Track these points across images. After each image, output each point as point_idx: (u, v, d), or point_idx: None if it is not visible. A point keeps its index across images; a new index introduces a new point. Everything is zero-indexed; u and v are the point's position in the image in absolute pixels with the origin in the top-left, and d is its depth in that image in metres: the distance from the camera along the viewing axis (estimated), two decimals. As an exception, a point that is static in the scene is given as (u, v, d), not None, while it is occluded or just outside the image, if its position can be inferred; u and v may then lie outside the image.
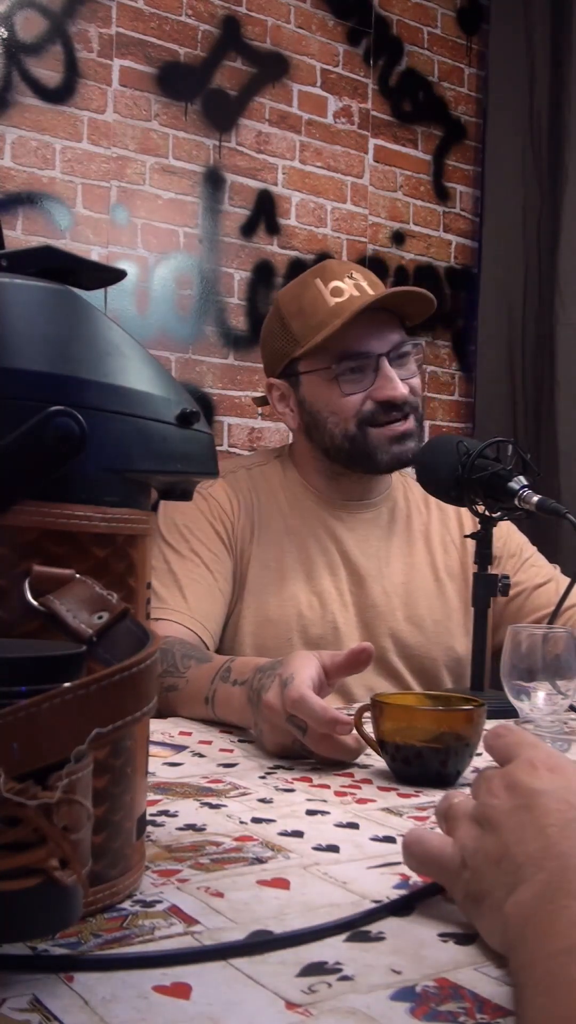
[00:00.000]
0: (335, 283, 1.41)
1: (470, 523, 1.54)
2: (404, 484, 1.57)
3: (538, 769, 0.53)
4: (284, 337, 1.45)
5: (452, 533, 1.54)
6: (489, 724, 0.78)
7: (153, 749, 0.93)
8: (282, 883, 0.59)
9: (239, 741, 1.00)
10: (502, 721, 0.94)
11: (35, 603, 0.50)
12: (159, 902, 0.55)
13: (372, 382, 1.40)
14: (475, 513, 1.30)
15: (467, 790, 0.59)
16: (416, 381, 1.45)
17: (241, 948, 0.49)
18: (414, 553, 1.51)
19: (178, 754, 0.94)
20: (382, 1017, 0.43)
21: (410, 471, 1.52)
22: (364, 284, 1.43)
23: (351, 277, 1.43)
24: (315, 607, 1.42)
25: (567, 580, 1.52)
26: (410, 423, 1.42)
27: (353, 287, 1.41)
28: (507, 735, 0.58)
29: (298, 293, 1.45)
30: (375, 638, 1.44)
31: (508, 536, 1.55)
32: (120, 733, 0.44)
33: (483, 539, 1.30)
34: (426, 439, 1.47)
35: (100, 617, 0.51)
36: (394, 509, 1.54)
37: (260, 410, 2.76)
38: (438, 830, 0.58)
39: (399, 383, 1.40)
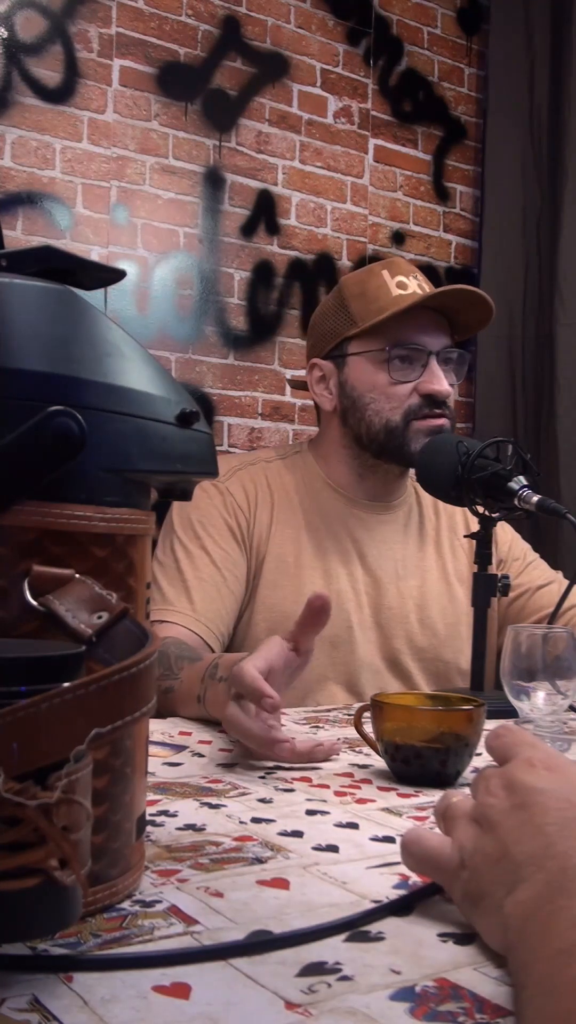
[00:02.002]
0: (401, 278, 1.44)
1: (476, 526, 1.55)
2: (416, 489, 1.58)
3: (536, 768, 0.53)
4: (341, 316, 1.47)
5: (460, 537, 1.55)
6: (489, 724, 0.78)
7: (153, 749, 0.93)
8: (282, 883, 0.59)
9: (239, 741, 1.00)
10: (502, 721, 0.94)
11: (35, 603, 0.50)
12: (159, 902, 0.55)
13: (420, 376, 1.42)
14: (475, 513, 1.30)
15: (467, 790, 0.59)
16: (454, 391, 1.47)
17: (241, 948, 0.49)
18: (427, 557, 1.52)
19: (178, 754, 0.94)
20: (382, 1017, 0.43)
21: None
22: (426, 287, 1.46)
23: (416, 278, 1.46)
24: (331, 606, 1.42)
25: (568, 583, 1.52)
26: (446, 422, 1.44)
27: (417, 287, 1.45)
28: (506, 735, 0.58)
29: (364, 279, 1.47)
30: (389, 640, 1.45)
31: (513, 542, 1.57)
32: (119, 733, 0.44)
33: (483, 539, 1.30)
34: None
35: (100, 617, 0.51)
36: (410, 513, 1.54)
37: (261, 412, 2.76)
38: (437, 830, 0.58)
39: (445, 380, 1.42)
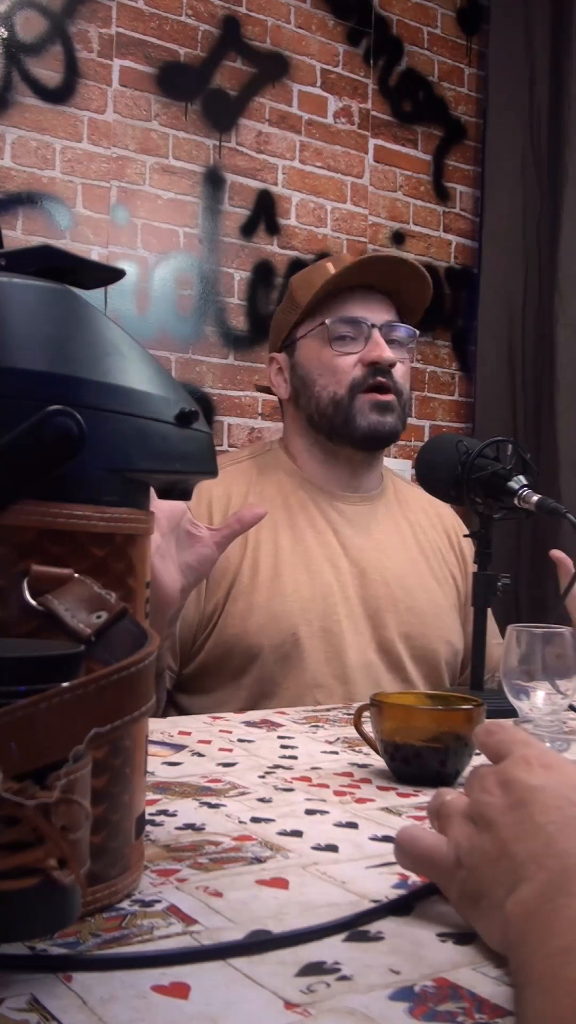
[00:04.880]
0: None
1: (455, 521, 1.58)
2: (392, 482, 1.60)
3: (533, 766, 0.53)
4: (289, 308, 1.52)
5: (438, 531, 1.58)
6: (488, 724, 0.78)
7: (152, 748, 0.93)
8: (281, 883, 0.59)
9: (239, 741, 1.00)
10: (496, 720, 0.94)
11: (34, 603, 0.50)
12: (158, 902, 0.55)
13: (362, 348, 1.44)
14: (475, 513, 1.31)
15: (462, 789, 0.59)
16: (404, 368, 1.49)
17: (240, 948, 0.49)
18: (408, 548, 1.53)
19: (177, 753, 0.94)
20: (381, 1017, 0.42)
21: (404, 469, 1.53)
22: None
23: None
24: (317, 600, 1.42)
25: None
26: (393, 398, 1.46)
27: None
28: (499, 732, 0.57)
29: (308, 273, 1.53)
30: (379, 629, 1.45)
31: (468, 541, 1.59)
32: (119, 733, 0.44)
33: (483, 539, 1.30)
34: (422, 438, 1.49)
35: (99, 617, 0.51)
36: (386, 504, 1.56)
37: (261, 412, 2.76)
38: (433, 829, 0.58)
39: (387, 349, 1.44)
